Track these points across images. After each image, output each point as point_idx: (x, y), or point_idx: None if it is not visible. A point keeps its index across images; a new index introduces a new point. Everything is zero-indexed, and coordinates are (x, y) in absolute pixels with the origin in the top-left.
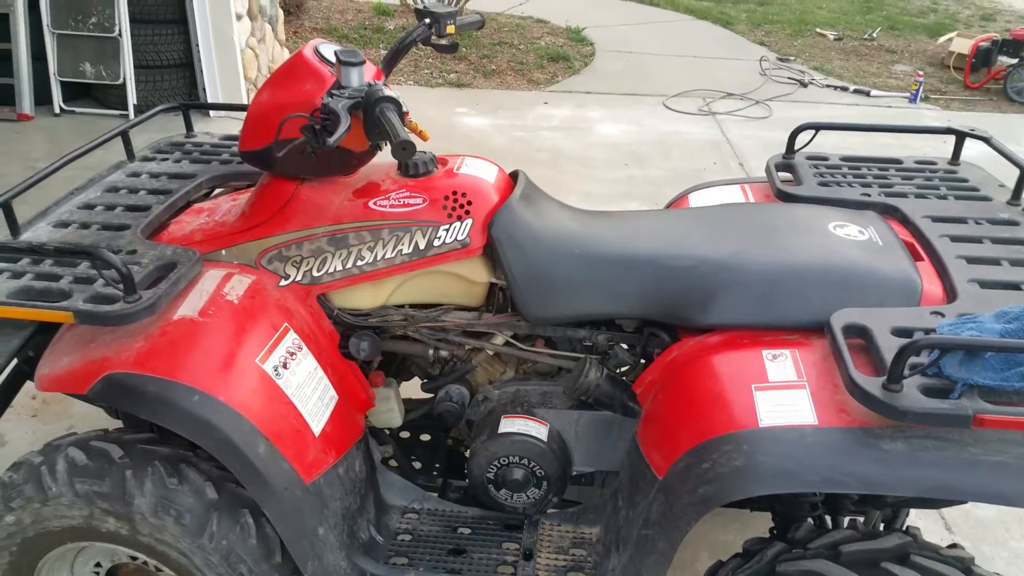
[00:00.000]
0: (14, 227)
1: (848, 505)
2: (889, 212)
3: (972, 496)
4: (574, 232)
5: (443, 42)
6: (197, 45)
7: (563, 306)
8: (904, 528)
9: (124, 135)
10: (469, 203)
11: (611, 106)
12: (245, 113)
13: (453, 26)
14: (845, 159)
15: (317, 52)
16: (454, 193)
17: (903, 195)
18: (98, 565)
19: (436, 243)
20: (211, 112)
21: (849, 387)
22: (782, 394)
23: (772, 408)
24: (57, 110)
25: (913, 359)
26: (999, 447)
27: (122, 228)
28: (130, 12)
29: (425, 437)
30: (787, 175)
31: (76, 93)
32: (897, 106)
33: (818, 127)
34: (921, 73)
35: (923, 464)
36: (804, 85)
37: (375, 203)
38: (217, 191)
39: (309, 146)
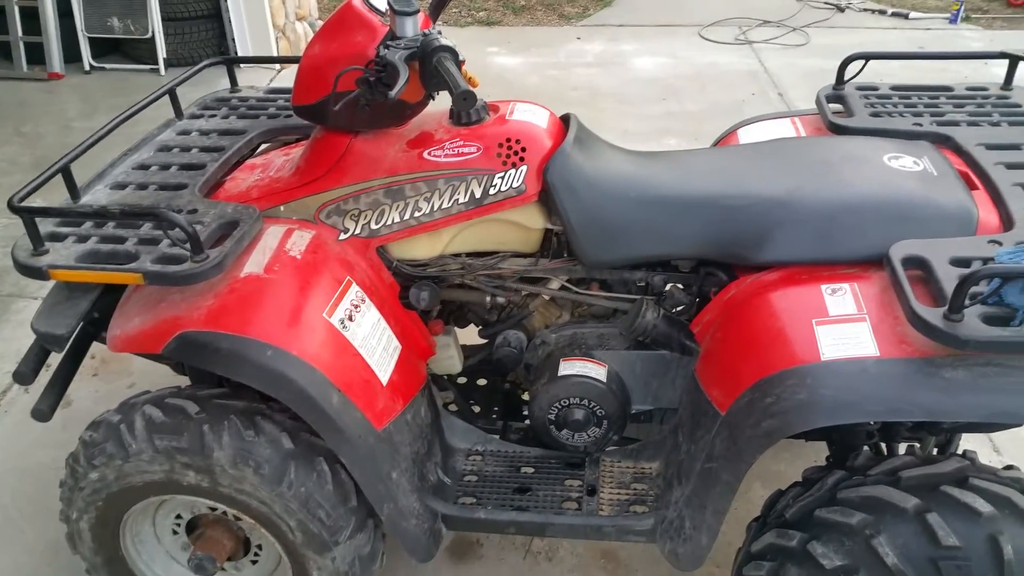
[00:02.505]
0: (73, 191)
1: (903, 432)
2: (942, 141)
3: None
4: (628, 175)
5: None
6: None
7: (620, 249)
8: (960, 452)
9: (172, 93)
10: (523, 149)
11: (645, 39)
12: (278, 65)
13: None
14: (895, 88)
15: (367, 2)
16: (508, 140)
17: (955, 123)
18: (178, 517)
19: (492, 191)
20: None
21: (910, 318)
22: (843, 327)
23: (833, 341)
24: (87, 67)
25: (973, 288)
26: None
27: (180, 187)
28: None
29: (482, 382)
30: (838, 107)
31: (105, 49)
32: (937, 28)
33: (868, 56)
34: None
35: (985, 391)
36: (841, 10)
37: (429, 153)
38: (264, 145)
39: (363, 98)
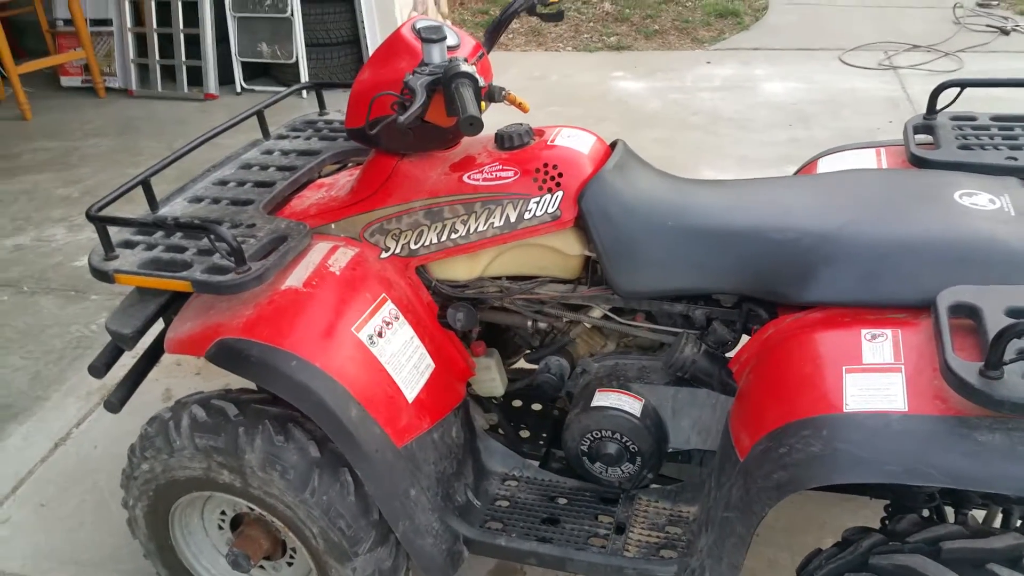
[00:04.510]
0: (152, 202)
1: (975, 499)
2: None
3: None
4: (669, 203)
5: (548, 11)
6: (362, 21)
7: (653, 280)
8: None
9: (260, 115)
10: (560, 175)
11: (780, 63)
12: None
13: None
14: (996, 118)
15: (414, 28)
16: (545, 165)
17: None
18: (223, 513)
19: (527, 216)
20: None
21: (943, 371)
22: (874, 377)
23: (860, 392)
24: (239, 89)
25: (1022, 343)
26: None
27: (247, 203)
28: None
29: (536, 407)
30: (927, 137)
31: (255, 72)
32: None
33: (964, 84)
34: None
35: (1022, 460)
36: (1006, 33)
37: (469, 177)
38: (342, 166)
39: (396, 123)
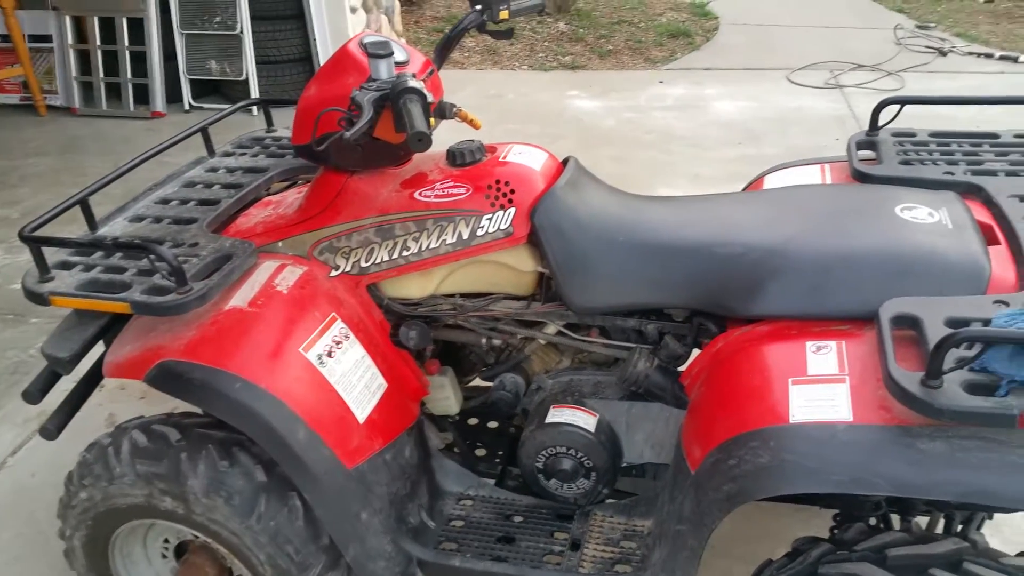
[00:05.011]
0: (91, 222)
1: (919, 505)
2: (973, 192)
3: (1017, 502)
4: (620, 219)
5: (498, 28)
6: (314, 39)
7: (606, 295)
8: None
9: (204, 132)
10: (512, 191)
11: (730, 82)
12: None
13: (507, 11)
14: (935, 135)
15: (361, 44)
16: (497, 182)
17: (992, 173)
18: (167, 541)
19: (479, 232)
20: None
21: (886, 381)
22: (819, 388)
23: (806, 403)
24: (187, 107)
25: (961, 353)
26: None
27: (191, 222)
28: (251, 10)
29: (492, 424)
30: (869, 153)
31: (204, 90)
32: None
33: (904, 101)
34: None
35: (962, 466)
36: (943, 54)
37: (420, 193)
38: (290, 184)
39: (343, 139)
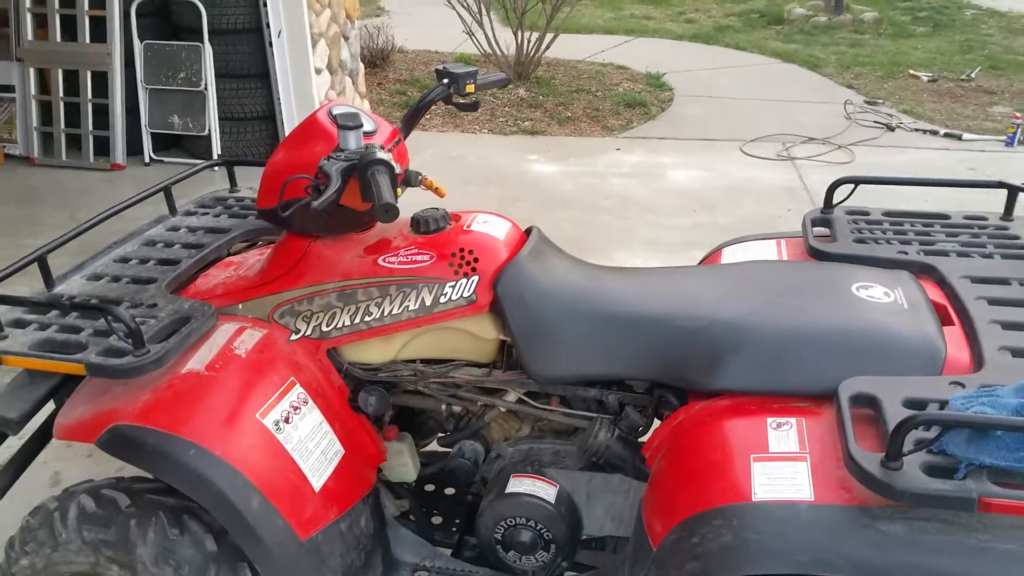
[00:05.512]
0: (48, 280)
1: None
2: (926, 271)
3: None
4: (582, 289)
5: (464, 100)
6: (278, 98)
7: (567, 365)
8: None
9: (167, 190)
10: (476, 260)
11: (685, 152)
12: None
13: (473, 85)
14: (888, 214)
15: (330, 114)
16: (461, 250)
17: (944, 253)
18: None
19: (442, 300)
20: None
21: (847, 461)
22: (781, 466)
23: (768, 480)
24: (147, 160)
25: (920, 434)
26: (1010, 534)
27: (150, 281)
28: (216, 67)
29: (450, 491)
30: (824, 230)
31: (165, 144)
32: (992, 150)
33: (857, 181)
34: (1020, 115)
35: (922, 549)
36: (891, 129)
37: (384, 260)
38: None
39: (310, 208)
